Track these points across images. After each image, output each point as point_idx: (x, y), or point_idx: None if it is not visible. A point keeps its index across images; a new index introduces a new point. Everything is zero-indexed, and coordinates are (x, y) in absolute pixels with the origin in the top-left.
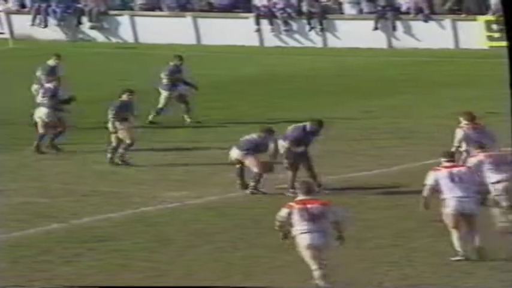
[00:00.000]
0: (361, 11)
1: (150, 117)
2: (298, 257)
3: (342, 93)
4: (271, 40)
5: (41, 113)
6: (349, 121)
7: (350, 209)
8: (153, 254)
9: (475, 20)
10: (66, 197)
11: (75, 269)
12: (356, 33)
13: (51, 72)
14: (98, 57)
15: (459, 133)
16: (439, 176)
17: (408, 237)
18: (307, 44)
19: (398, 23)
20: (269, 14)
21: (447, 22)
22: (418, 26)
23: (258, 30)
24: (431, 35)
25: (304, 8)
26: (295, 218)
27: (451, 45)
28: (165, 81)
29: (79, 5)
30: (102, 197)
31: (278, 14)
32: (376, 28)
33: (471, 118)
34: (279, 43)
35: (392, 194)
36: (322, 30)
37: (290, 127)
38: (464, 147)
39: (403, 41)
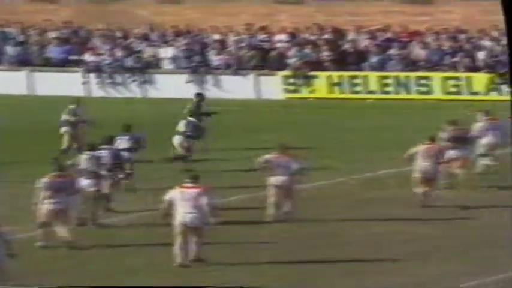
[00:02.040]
0: (177, 66)
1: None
2: None
3: (158, 139)
4: (97, 91)
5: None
6: (159, 164)
7: None
8: None
9: (275, 75)
10: None
11: None
12: (172, 85)
13: None
14: None
15: None
16: (174, 194)
17: None
18: (129, 94)
19: (209, 77)
20: (96, 68)
21: (251, 76)
22: (226, 79)
23: (86, 83)
24: (237, 88)
25: (129, 63)
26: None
27: (254, 96)
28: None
29: None
30: None
31: (105, 68)
32: (189, 81)
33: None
34: (104, 94)
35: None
36: (143, 82)
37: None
38: None
39: (213, 92)
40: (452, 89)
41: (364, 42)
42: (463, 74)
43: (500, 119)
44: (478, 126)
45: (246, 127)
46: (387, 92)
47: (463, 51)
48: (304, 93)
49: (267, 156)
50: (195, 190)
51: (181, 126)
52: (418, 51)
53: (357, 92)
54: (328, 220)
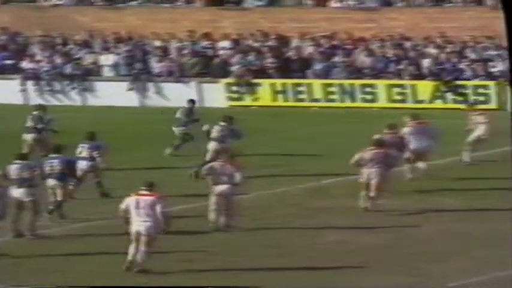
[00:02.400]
0: (118, 74)
1: None
2: None
3: None
4: (35, 99)
5: None
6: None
7: None
8: None
9: (218, 82)
10: None
11: None
12: (113, 93)
13: None
14: None
15: None
16: (129, 202)
17: None
18: (68, 102)
19: (150, 84)
20: (35, 76)
21: (194, 84)
22: (168, 87)
23: (24, 90)
24: (179, 95)
25: (68, 70)
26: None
27: (197, 104)
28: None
29: None
30: None
31: (43, 75)
32: (130, 89)
33: None
34: (42, 102)
35: None
36: (82, 90)
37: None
38: None
39: (155, 100)
40: (397, 97)
41: (308, 49)
42: (407, 82)
43: (429, 123)
44: (405, 130)
45: None
46: (332, 100)
47: (408, 58)
48: (248, 101)
49: (212, 164)
50: (150, 198)
51: (216, 131)
52: (362, 59)
53: (301, 100)
54: (272, 229)
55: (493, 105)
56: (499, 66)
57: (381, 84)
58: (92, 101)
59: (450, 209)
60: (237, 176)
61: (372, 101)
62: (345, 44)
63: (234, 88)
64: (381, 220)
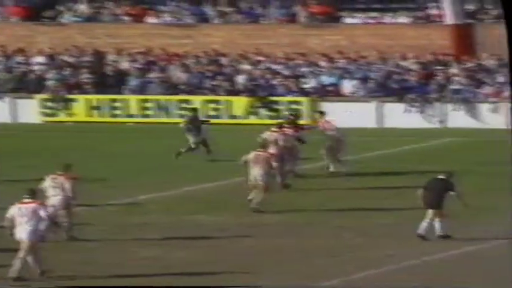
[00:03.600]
0: None
1: None
2: None
3: None
4: None
5: None
6: None
7: None
8: None
9: (32, 98)
10: None
11: None
12: None
13: None
14: None
15: None
16: (13, 210)
17: None
18: None
19: None
20: None
21: (8, 99)
22: None
23: None
24: None
25: None
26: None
27: (9, 119)
28: None
29: None
30: None
31: None
32: None
33: None
34: None
35: None
36: None
37: None
38: None
39: None
40: (213, 113)
41: (124, 64)
42: (223, 98)
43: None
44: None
45: (4, 152)
46: (147, 116)
47: (223, 74)
48: (62, 116)
49: (48, 177)
50: (32, 205)
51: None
52: (178, 75)
53: (116, 116)
54: (87, 245)
55: (305, 120)
56: (311, 83)
57: (196, 99)
58: None
59: (268, 223)
60: (68, 187)
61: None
62: (160, 59)
63: (49, 104)
64: (197, 235)
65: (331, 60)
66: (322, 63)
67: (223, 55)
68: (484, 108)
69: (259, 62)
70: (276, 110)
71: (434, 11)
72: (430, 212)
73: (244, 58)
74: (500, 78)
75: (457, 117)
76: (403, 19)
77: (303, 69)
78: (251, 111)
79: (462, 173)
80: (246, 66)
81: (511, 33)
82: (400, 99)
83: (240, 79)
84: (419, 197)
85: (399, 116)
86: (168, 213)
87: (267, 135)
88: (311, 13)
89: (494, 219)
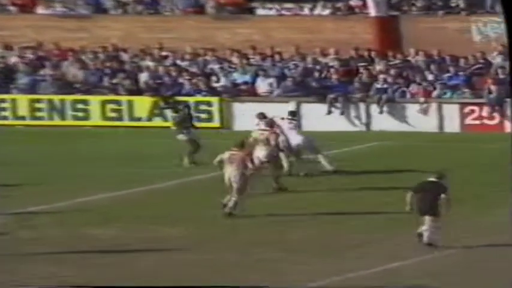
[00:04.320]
0: None
1: None
2: None
3: None
4: None
5: None
6: None
7: None
8: None
9: None
10: None
11: None
12: None
13: None
14: None
15: None
16: None
17: None
18: None
19: None
20: None
21: None
22: None
23: None
24: None
25: None
26: None
27: None
28: None
29: None
30: None
31: None
32: None
33: None
34: None
35: None
36: None
37: None
38: None
39: None
40: (112, 114)
41: (12, 60)
42: (123, 98)
43: None
44: None
45: None
46: (39, 118)
47: (123, 71)
48: None
49: None
50: None
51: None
52: (73, 72)
53: (4, 118)
54: None
55: (216, 123)
56: (222, 81)
57: (94, 100)
58: None
59: (169, 237)
60: None
61: (84, 118)
62: (53, 55)
63: None
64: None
65: (243, 56)
66: (234, 60)
67: (124, 50)
68: (413, 109)
69: (163, 58)
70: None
71: (356, 2)
72: (427, 218)
73: (147, 54)
74: (430, 76)
75: (383, 120)
76: (322, 11)
77: (213, 66)
78: (155, 112)
79: (386, 181)
80: (149, 63)
81: (511, 33)
82: (321, 100)
83: (143, 77)
84: (408, 202)
85: (319, 117)
86: (60, 227)
87: (256, 134)
88: (220, 4)
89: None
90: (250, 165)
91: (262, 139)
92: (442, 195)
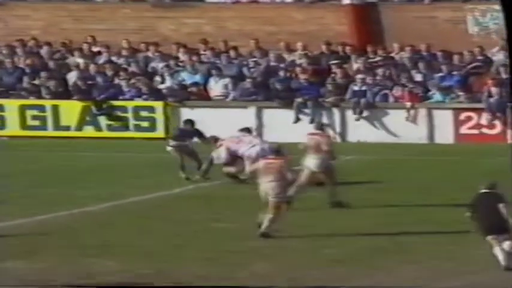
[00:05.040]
0: None
1: None
2: None
3: None
4: None
5: None
6: None
7: None
8: None
9: None
10: None
11: None
12: None
13: None
14: None
15: None
16: None
17: None
18: None
19: None
20: None
21: None
22: None
23: None
24: None
25: None
26: None
27: None
28: None
29: None
30: None
31: None
32: None
33: None
34: None
35: None
36: None
37: None
38: None
39: None
40: (34, 122)
41: None
42: (47, 102)
43: None
44: None
45: None
46: None
47: (47, 70)
48: None
49: None
50: None
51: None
52: None
53: None
54: None
55: (159, 133)
56: (167, 82)
57: (10, 105)
58: None
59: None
60: None
61: None
62: None
63: None
64: None
65: (192, 52)
66: (181, 56)
67: (47, 44)
68: (397, 116)
69: (95, 54)
70: (121, 119)
71: None
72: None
73: (75, 49)
74: (417, 77)
75: (361, 129)
76: None
77: (156, 64)
78: (87, 120)
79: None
80: (78, 60)
81: (511, 33)
82: (286, 105)
83: (71, 77)
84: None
85: (284, 126)
86: None
87: (307, 139)
88: None
89: None
90: (289, 175)
91: (313, 144)
92: (500, 205)
